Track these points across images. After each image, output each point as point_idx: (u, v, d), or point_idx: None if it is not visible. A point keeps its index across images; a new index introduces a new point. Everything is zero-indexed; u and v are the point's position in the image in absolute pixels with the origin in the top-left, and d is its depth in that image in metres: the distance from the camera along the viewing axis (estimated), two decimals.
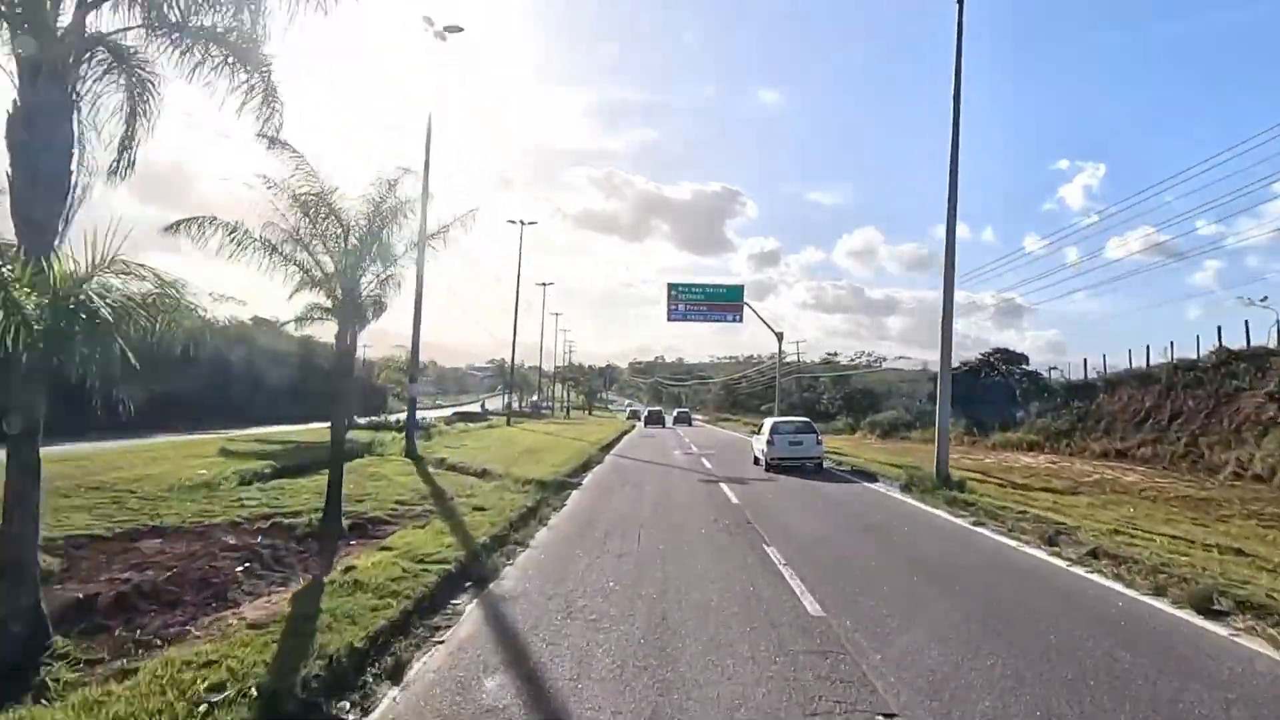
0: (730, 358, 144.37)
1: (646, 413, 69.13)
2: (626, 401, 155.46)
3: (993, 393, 35.26)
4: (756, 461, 21.17)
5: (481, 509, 11.68)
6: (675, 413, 72.20)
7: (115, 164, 6.37)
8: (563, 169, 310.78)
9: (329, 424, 11.66)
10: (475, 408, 71.81)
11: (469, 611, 6.90)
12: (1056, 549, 9.84)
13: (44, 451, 5.51)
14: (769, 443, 19.79)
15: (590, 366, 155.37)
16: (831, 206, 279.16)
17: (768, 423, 21.42)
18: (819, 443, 20.21)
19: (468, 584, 7.77)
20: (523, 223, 49.88)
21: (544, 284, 71.59)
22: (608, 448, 29.62)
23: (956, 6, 16.76)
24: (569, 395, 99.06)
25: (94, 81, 6.01)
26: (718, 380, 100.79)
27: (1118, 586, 7.98)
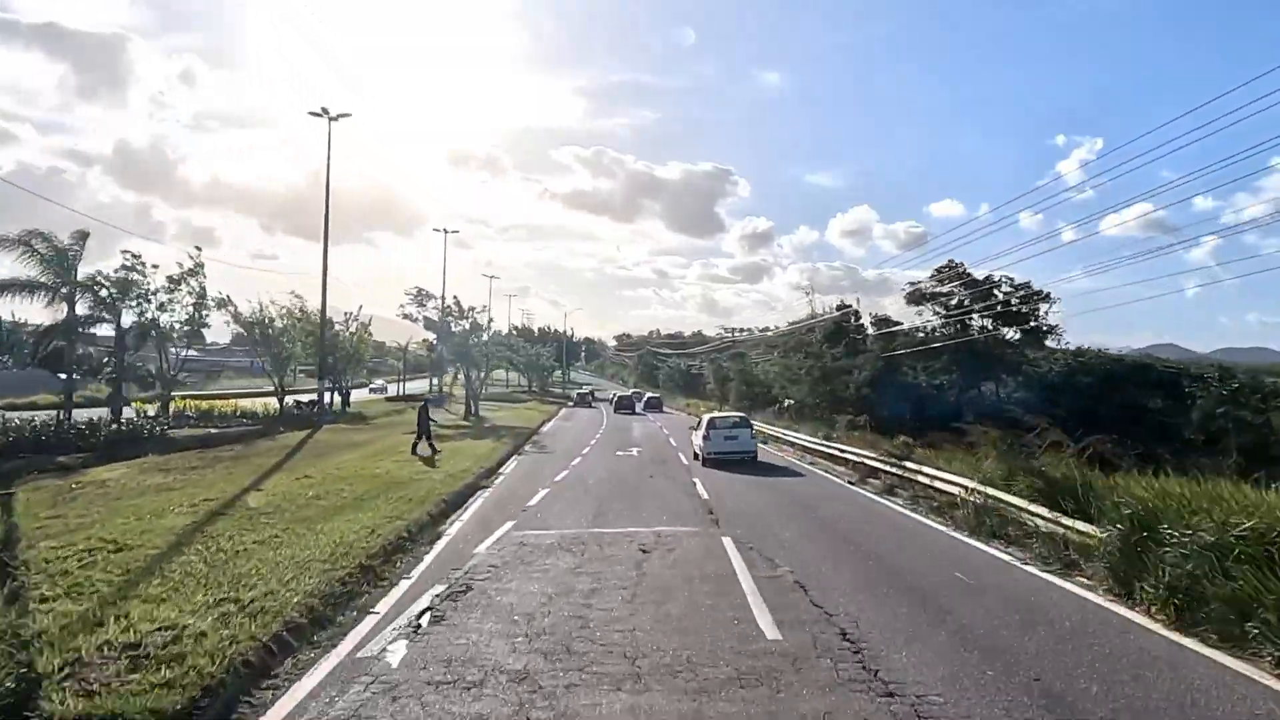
0: (742, 330, 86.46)
1: (617, 398, 60.43)
2: (584, 382, 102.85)
3: None
4: (696, 456, 20.73)
5: None
6: (645, 398, 64.25)
7: None
8: (553, 149, 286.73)
9: None
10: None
11: None
12: None
13: None
14: (705, 438, 20.09)
15: (545, 329, 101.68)
16: (825, 185, 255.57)
17: (705, 418, 22.05)
18: (753, 437, 21.00)
19: None
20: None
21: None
22: None
23: None
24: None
25: None
26: (766, 338, 46.55)
27: None
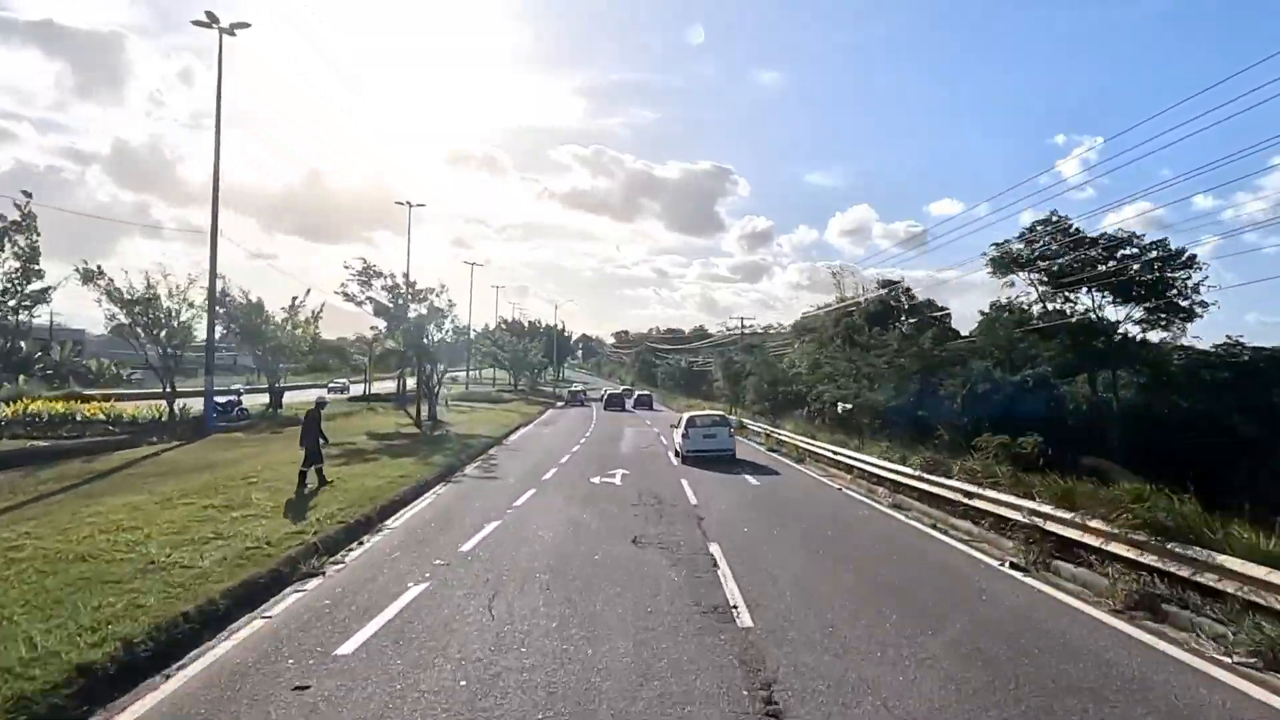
0: (750, 320, 78.18)
1: (606, 395, 58.64)
2: (579, 380, 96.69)
3: None
4: (677, 454, 21.21)
5: None
6: (635, 395, 63.74)
7: None
8: (552, 148, 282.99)
9: None
10: None
11: None
12: None
13: None
14: (684, 436, 20.68)
15: (535, 323, 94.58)
16: (825, 185, 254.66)
17: (685, 416, 22.79)
18: (731, 435, 21.38)
19: None
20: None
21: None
22: None
23: None
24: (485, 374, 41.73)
25: None
26: (795, 324, 39.54)
27: None
